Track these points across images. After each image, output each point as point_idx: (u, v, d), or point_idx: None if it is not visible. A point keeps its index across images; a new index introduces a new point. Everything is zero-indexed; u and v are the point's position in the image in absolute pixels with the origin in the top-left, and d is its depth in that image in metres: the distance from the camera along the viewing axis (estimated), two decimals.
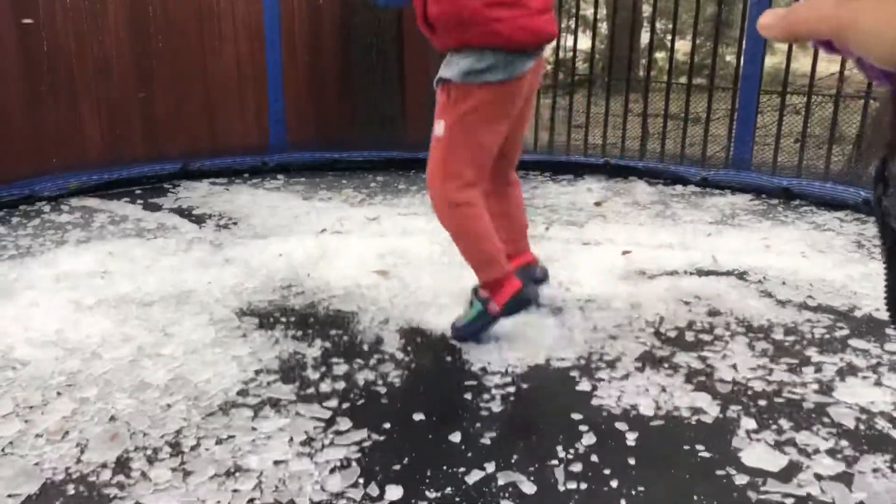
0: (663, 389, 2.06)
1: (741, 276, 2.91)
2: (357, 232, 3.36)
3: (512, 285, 2.31)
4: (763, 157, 4.97)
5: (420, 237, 3.26)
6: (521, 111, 2.39)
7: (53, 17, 4.25)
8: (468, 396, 2.04)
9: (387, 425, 1.89)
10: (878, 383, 2.09)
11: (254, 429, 1.87)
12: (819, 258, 3.13)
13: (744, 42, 4.73)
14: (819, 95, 5.21)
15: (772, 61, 5.80)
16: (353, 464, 1.73)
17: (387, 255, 3.03)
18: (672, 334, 2.41)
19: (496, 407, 1.98)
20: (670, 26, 7.72)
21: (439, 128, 2.29)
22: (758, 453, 1.76)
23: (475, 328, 2.34)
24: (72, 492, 1.64)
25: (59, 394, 2.03)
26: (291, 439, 1.82)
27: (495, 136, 2.30)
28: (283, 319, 2.50)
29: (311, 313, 2.56)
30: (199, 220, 3.65)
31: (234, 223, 3.59)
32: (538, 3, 2.22)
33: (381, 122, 5.30)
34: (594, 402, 2.00)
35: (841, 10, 0.40)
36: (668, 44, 7.52)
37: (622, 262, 3.00)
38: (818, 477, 1.67)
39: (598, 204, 4.00)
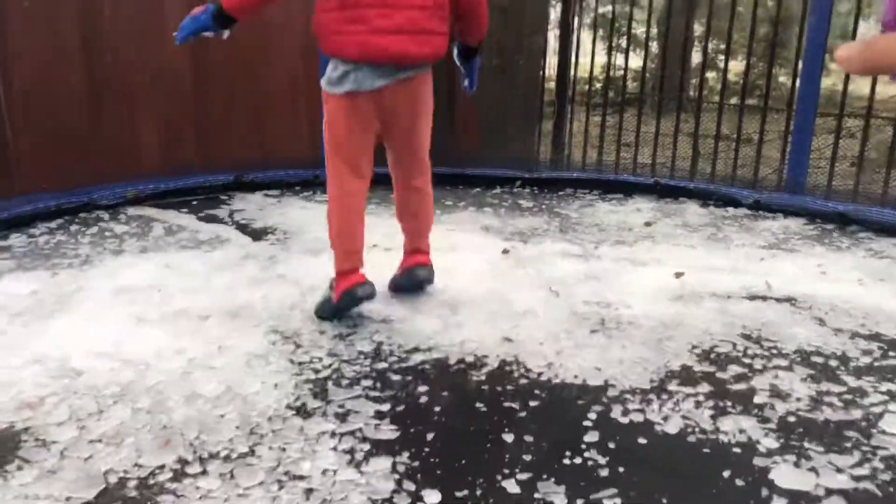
0: (702, 410, 2.04)
1: (793, 302, 2.85)
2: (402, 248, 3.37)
3: (350, 280, 2.52)
4: (817, 180, 4.88)
5: (467, 253, 3.27)
6: (396, 124, 2.58)
7: (115, 29, 4.39)
8: (512, 407, 2.04)
9: (431, 435, 1.92)
10: None
11: (303, 438, 1.90)
12: (877, 286, 3.05)
13: (800, 62, 4.64)
14: (877, 118, 5.09)
15: (827, 83, 5.70)
16: (399, 472, 1.75)
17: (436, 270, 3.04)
18: (716, 357, 2.39)
19: (537, 419, 1.99)
20: (723, 46, 7.66)
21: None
22: (793, 478, 1.74)
23: (321, 313, 2.61)
24: (131, 495, 1.68)
25: (114, 402, 2.08)
26: (339, 448, 1.85)
27: (353, 142, 2.55)
28: (334, 332, 2.52)
29: (361, 327, 2.57)
30: (253, 234, 3.71)
31: (287, 237, 3.64)
32: (384, 22, 2.37)
33: (441, 137, 5.32)
34: (632, 419, 2.00)
35: None
36: (721, 64, 7.45)
37: (672, 283, 2.96)
38: None
39: (647, 224, 3.96)
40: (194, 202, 4.35)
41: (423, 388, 2.18)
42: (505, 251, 3.26)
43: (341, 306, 2.55)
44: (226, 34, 2.56)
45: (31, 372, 2.23)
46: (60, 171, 4.24)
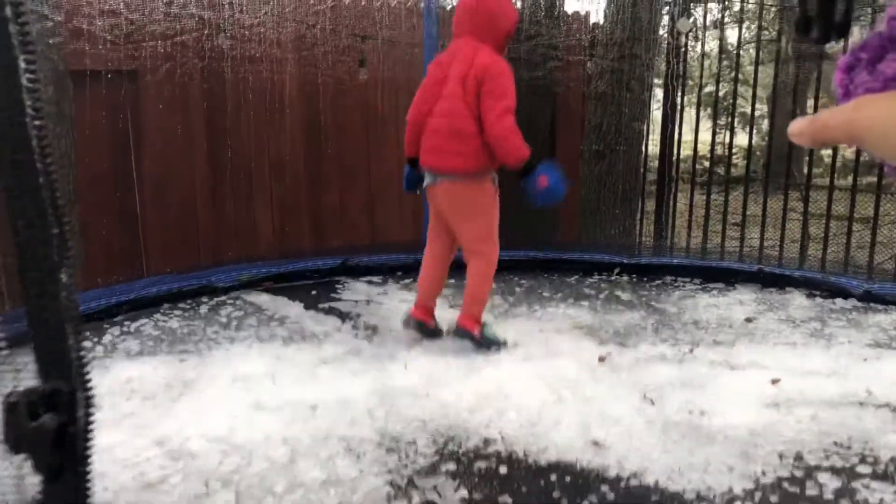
0: None
1: (894, 408, 2.80)
2: (502, 350, 3.51)
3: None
4: None
5: (562, 357, 3.37)
6: (444, 215, 3.58)
7: (238, 124, 4.86)
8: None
9: None
10: None
11: None
12: None
13: None
14: None
15: None
16: None
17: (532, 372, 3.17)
18: (804, 466, 2.40)
19: None
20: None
21: None
22: None
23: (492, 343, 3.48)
24: None
25: (222, 486, 2.30)
26: None
27: (431, 222, 3.75)
28: (427, 425, 2.69)
29: (456, 424, 2.73)
30: (356, 327, 3.94)
31: (390, 332, 3.85)
32: (426, 142, 3.49)
33: (530, 224, 5.51)
34: None
35: (855, 115, 0.45)
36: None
37: (768, 389, 2.97)
38: None
39: (748, 320, 3.95)
40: (304, 289, 4.65)
41: (514, 486, 2.30)
42: (601, 358, 3.34)
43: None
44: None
45: (153, 453, 2.50)
46: (184, 255, 4.68)
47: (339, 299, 4.48)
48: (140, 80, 4.52)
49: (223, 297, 4.44)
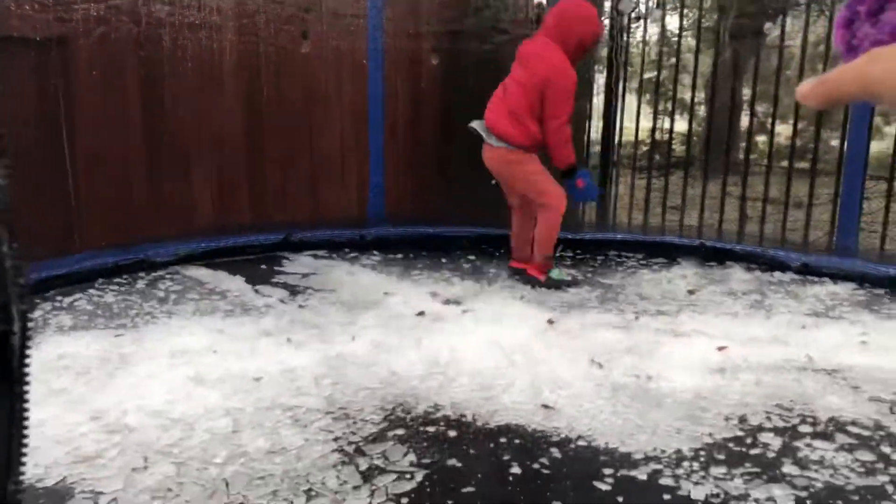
0: (732, 478, 2.10)
1: (832, 372, 2.88)
2: (450, 318, 3.48)
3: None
4: (869, 245, 4.86)
5: (512, 322, 3.37)
6: (500, 177, 4.24)
7: (176, 94, 4.69)
8: (545, 472, 2.12)
9: (465, 493, 1.98)
10: None
11: (343, 492, 2.01)
12: None
13: (848, 124, 4.69)
14: None
15: (879, 146, 5.71)
16: None
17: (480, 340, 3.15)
18: (750, 427, 2.45)
19: (570, 483, 2.07)
20: (770, 109, 7.70)
21: None
22: None
23: (559, 284, 4.05)
24: None
25: (161, 457, 2.21)
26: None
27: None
28: (376, 392, 2.64)
29: (404, 388, 2.68)
30: (301, 299, 3.86)
31: (334, 303, 3.77)
32: (496, 103, 4.11)
33: (477, 201, 5.48)
34: (662, 484, 2.08)
35: (869, 69, 0.44)
36: (769, 127, 7.49)
37: (712, 356, 3.01)
38: None
39: (691, 292, 4.01)
40: (244, 263, 4.54)
41: (464, 449, 2.28)
42: (550, 321, 3.35)
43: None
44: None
45: (88, 428, 2.39)
46: (120, 230, 4.50)
47: (284, 272, 4.39)
48: (71, 45, 4.31)
49: (161, 272, 4.30)
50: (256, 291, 3.95)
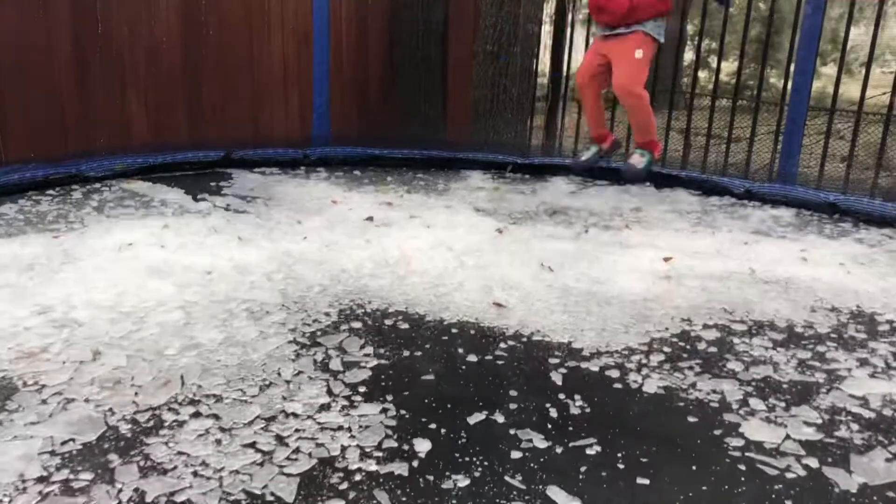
0: (678, 372, 2.23)
1: (773, 282, 3.03)
2: (399, 224, 3.52)
3: (659, 146, 4.11)
4: (808, 175, 5.05)
5: (462, 230, 3.42)
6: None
7: (108, 3, 4.50)
8: (498, 364, 2.20)
9: (422, 382, 2.08)
10: (889, 380, 2.25)
11: (296, 382, 2.06)
12: (858, 270, 3.24)
13: (791, 65, 4.83)
14: (868, 114, 5.27)
15: (817, 85, 5.89)
16: (388, 420, 1.90)
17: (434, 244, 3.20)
18: (695, 326, 2.58)
19: (522, 375, 2.17)
20: (715, 46, 7.83)
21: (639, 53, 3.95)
22: (764, 431, 1.92)
23: (649, 169, 4.07)
24: (129, 433, 1.80)
25: (111, 350, 2.20)
26: (329, 393, 2.01)
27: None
28: (328, 290, 2.67)
29: (360, 287, 2.72)
30: (246, 205, 3.84)
31: (281, 208, 3.75)
32: None
33: (423, 122, 5.48)
34: (611, 375, 2.21)
35: None
36: (713, 64, 7.63)
37: (659, 265, 3.12)
38: (819, 458, 1.80)
39: (638, 210, 4.12)
40: (183, 177, 4.47)
41: (418, 342, 2.34)
42: (499, 230, 3.41)
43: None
44: None
45: (34, 323, 2.35)
46: (49, 142, 4.35)
47: (227, 185, 4.33)
48: None
49: (96, 185, 4.19)
50: (198, 200, 3.90)
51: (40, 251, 2.95)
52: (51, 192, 4.07)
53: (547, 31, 6.00)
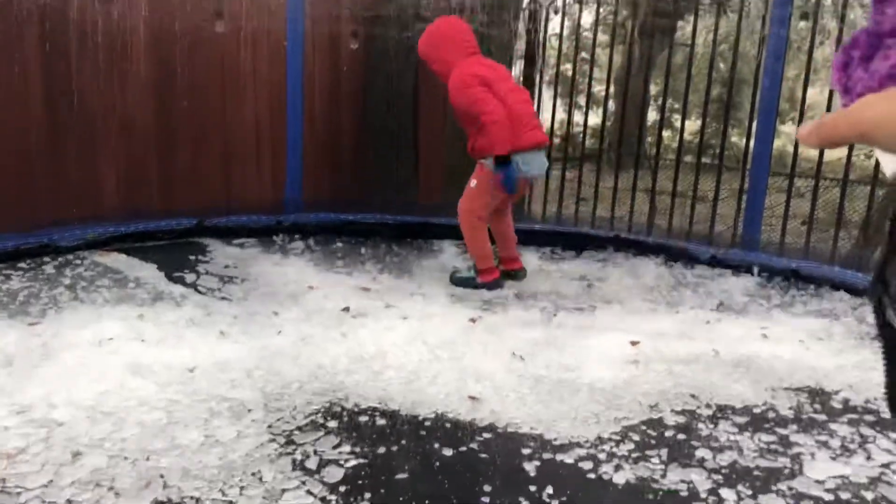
0: (648, 461, 2.33)
1: (736, 363, 3.17)
2: (374, 314, 3.59)
3: (494, 274, 4.22)
4: (770, 237, 5.26)
5: (437, 320, 3.52)
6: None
7: (83, 73, 4.58)
8: (473, 458, 2.28)
9: (398, 479, 2.13)
10: (847, 463, 2.39)
11: (275, 483, 2.13)
12: (816, 345, 3.41)
13: (754, 123, 5.04)
14: (826, 179, 5.51)
15: (777, 144, 6.15)
16: None
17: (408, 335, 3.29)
18: (663, 414, 2.69)
19: (496, 467, 2.24)
20: (678, 105, 8.11)
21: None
22: None
23: (463, 284, 4.20)
24: None
25: (91, 451, 2.25)
26: (308, 493, 2.08)
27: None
28: (306, 386, 2.74)
29: (335, 383, 2.80)
30: (220, 288, 3.91)
31: (258, 291, 3.83)
32: (530, 122, 4.16)
33: (395, 187, 5.60)
34: (582, 467, 2.30)
35: (862, 116, 0.48)
36: (677, 123, 7.92)
37: (626, 350, 3.25)
38: None
39: (603, 283, 4.26)
40: (156, 248, 4.51)
41: (391, 440, 2.42)
42: (472, 319, 3.54)
43: (484, 286, 4.17)
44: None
45: (12, 423, 2.39)
46: (20, 212, 4.38)
47: (202, 261, 4.38)
48: None
49: (68, 257, 4.23)
50: (173, 280, 3.95)
51: (17, 342, 2.98)
52: (22, 264, 4.10)
53: None
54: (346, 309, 3.58)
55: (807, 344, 3.43)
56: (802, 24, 5.70)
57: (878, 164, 4.80)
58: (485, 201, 4.18)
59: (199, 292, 3.80)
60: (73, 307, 3.46)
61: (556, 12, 5.98)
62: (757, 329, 3.61)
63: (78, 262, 4.19)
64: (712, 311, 3.89)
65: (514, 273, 4.41)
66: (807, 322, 3.76)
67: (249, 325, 3.32)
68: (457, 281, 4.23)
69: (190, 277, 4.03)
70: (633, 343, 3.30)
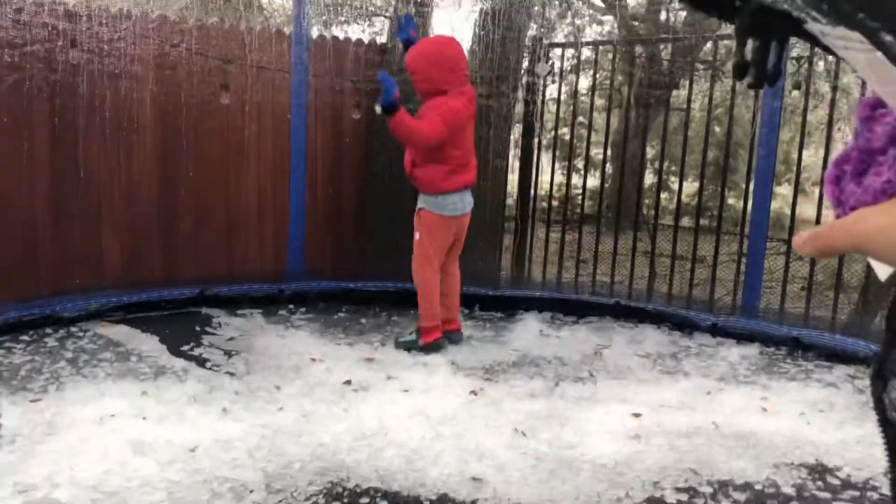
0: None
1: (737, 437, 3.18)
2: (376, 387, 3.62)
3: (435, 334, 4.23)
4: (770, 301, 5.30)
5: (437, 392, 3.55)
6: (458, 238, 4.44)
7: (90, 145, 4.69)
8: None
9: None
10: None
11: None
12: (817, 418, 3.42)
13: (750, 185, 5.12)
14: None
15: (774, 206, 6.24)
16: None
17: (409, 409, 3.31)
18: (664, 490, 2.70)
19: None
20: (675, 168, 8.27)
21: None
22: None
23: (406, 347, 4.22)
24: None
25: None
26: None
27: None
28: (308, 465, 2.76)
29: (338, 464, 2.81)
30: (221, 361, 3.94)
31: (258, 365, 3.86)
32: (472, 166, 4.35)
33: (396, 253, 5.66)
34: None
35: (856, 229, 0.49)
36: (673, 185, 8.05)
37: (628, 422, 3.27)
38: None
39: (605, 353, 4.30)
40: (158, 320, 4.54)
41: None
42: (473, 392, 3.57)
43: (424, 350, 4.17)
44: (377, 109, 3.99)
45: (17, 503, 2.41)
46: (23, 283, 4.44)
47: (203, 334, 4.41)
48: None
49: (71, 329, 4.27)
50: (176, 354, 3.98)
51: (20, 419, 3.01)
52: (24, 337, 4.13)
53: (514, 154, 6.31)
54: (348, 382, 3.61)
55: (808, 417, 3.44)
56: (796, 93, 5.83)
57: None
58: (435, 245, 4.26)
59: (202, 366, 3.83)
60: (75, 382, 3.49)
61: (553, 81, 6.15)
62: (758, 400, 3.62)
63: (80, 333, 4.23)
64: (713, 381, 3.91)
65: (451, 335, 4.40)
66: (807, 393, 3.77)
67: (252, 402, 3.34)
68: (400, 345, 4.26)
69: (192, 350, 4.06)
70: (636, 415, 3.32)
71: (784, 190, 9.66)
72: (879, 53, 0.44)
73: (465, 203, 4.27)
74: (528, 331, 4.67)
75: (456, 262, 4.49)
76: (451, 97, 4.06)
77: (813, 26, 0.46)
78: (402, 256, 5.63)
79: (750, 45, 0.54)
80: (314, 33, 5.46)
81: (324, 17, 5.97)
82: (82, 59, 4.55)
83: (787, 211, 5.46)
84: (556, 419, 3.27)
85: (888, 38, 0.43)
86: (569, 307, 5.16)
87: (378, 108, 3.96)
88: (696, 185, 6.67)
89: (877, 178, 0.53)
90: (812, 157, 8.03)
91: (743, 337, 4.63)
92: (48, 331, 4.25)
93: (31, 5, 4.39)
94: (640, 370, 4.07)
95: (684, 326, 4.82)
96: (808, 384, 3.92)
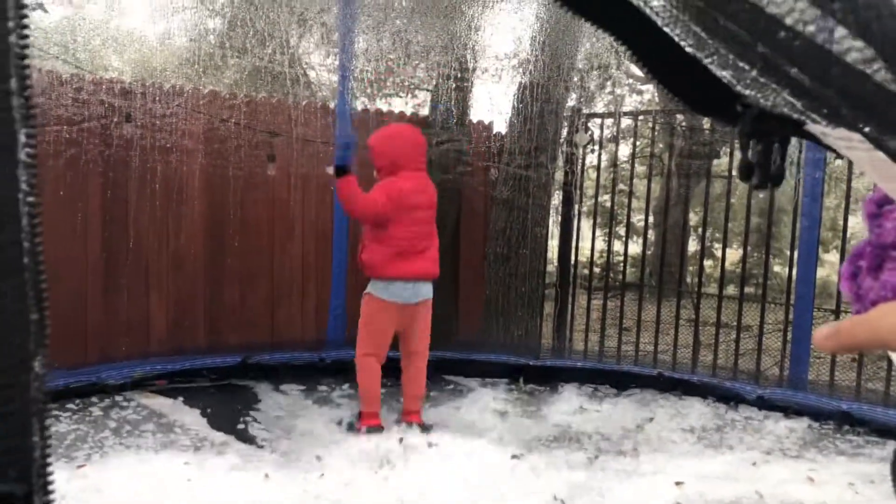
0: None
1: None
2: (416, 454, 3.63)
3: (374, 421, 4.04)
4: (819, 372, 5.20)
5: (477, 460, 3.55)
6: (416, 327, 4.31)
7: (140, 216, 4.89)
8: None
9: None
10: None
11: None
12: (867, 489, 3.35)
13: (795, 251, 5.08)
14: None
15: (821, 273, 6.18)
16: None
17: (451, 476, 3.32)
18: None
19: None
20: (718, 235, 8.25)
21: None
22: None
23: (350, 428, 4.06)
24: None
25: None
26: None
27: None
28: None
29: None
30: (263, 431, 4.02)
31: (298, 435, 3.93)
32: (431, 254, 4.22)
33: (435, 321, 5.72)
34: None
35: (879, 324, 0.50)
36: (717, 252, 8.02)
37: (670, 493, 3.23)
38: None
39: (647, 427, 4.26)
40: (202, 391, 4.62)
41: None
42: (514, 457, 3.57)
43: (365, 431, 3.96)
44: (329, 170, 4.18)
45: None
46: (72, 350, 4.59)
47: (245, 408, 4.46)
48: (39, 167, 4.50)
49: (116, 398, 4.37)
50: (217, 429, 4.05)
51: (67, 484, 3.09)
52: (70, 405, 4.24)
53: (553, 220, 6.38)
54: (389, 451, 3.64)
55: (857, 488, 3.37)
56: (839, 161, 5.84)
57: None
58: (372, 332, 4.12)
59: (242, 437, 3.89)
60: (118, 452, 3.57)
61: (592, 151, 6.23)
62: (805, 471, 3.56)
63: (125, 403, 4.33)
64: (759, 454, 3.85)
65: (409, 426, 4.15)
66: (857, 465, 3.69)
67: (292, 470, 3.38)
68: (347, 427, 4.11)
69: (233, 422, 4.13)
70: (678, 483, 3.29)
71: (832, 257, 9.54)
72: (881, 152, 0.46)
73: (416, 293, 4.11)
74: (569, 403, 4.65)
75: (421, 353, 4.31)
76: (401, 178, 4.05)
77: (814, 128, 0.48)
78: (442, 322, 5.69)
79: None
80: (358, 106, 5.65)
81: (367, 91, 6.19)
82: (136, 133, 4.78)
83: (835, 278, 5.41)
84: (595, 490, 3.25)
85: (892, 143, 0.45)
86: (610, 378, 5.12)
87: (330, 169, 4.08)
88: (740, 251, 6.64)
89: (894, 274, 0.55)
90: (858, 223, 7.95)
91: (790, 410, 4.54)
92: (93, 399, 4.35)
93: (89, 84, 4.66)
94: (683, 443, 4.03)
95: (729, 399, 4.75)
96: (858, 458, 3.84)
